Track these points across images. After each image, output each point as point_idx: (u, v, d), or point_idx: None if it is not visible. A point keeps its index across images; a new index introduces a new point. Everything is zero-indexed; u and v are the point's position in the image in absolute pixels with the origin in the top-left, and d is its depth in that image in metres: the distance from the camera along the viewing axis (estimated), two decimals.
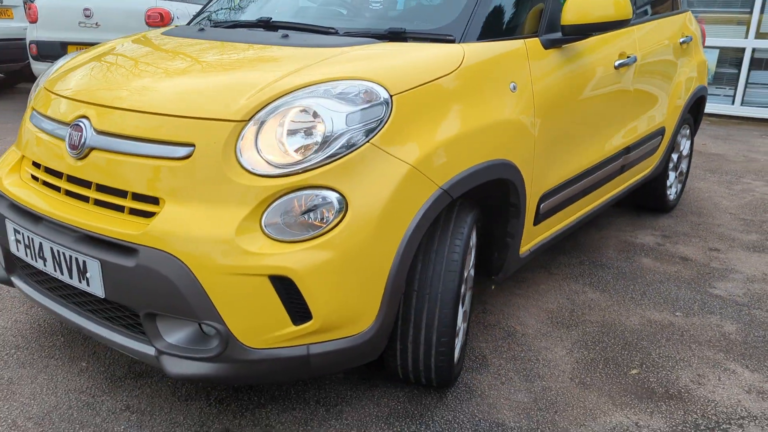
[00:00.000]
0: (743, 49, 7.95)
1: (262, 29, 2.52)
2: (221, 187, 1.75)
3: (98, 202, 1.91)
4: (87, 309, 1.99)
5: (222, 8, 2.96)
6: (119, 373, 2.27)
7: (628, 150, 3.24)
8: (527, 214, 2.43)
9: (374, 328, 1.85)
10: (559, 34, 2.51)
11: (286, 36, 2.29)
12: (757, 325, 2.81)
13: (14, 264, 2.23)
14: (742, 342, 2.65)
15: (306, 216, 1.72)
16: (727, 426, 2.12)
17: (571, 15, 2.43)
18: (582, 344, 2.59)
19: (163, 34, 2.62)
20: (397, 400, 2.18)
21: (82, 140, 1.92)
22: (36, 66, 7.02)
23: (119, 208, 1.86)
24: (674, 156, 4.10)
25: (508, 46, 2.31)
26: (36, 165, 2.15)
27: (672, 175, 4.15)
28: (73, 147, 1.94)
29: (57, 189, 2.02)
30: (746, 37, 7.92)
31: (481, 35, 2.26)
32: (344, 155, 1.76)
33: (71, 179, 1.99)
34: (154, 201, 1.81)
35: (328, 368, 1.90)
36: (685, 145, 4.25)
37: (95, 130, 1.92)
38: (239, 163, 1.75)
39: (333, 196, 1.74)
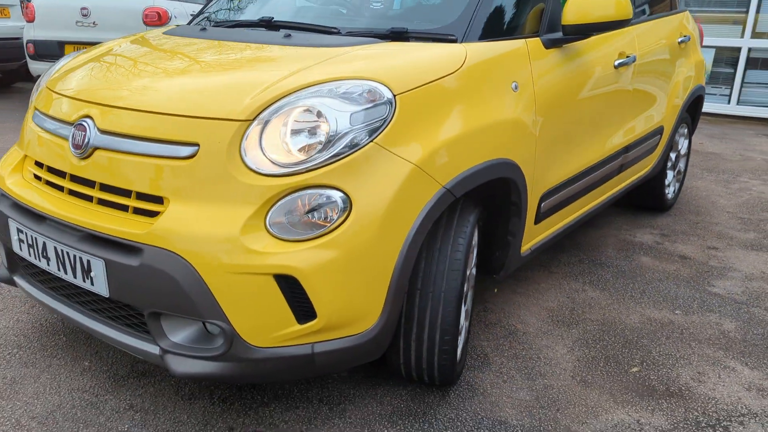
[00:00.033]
0: (739, 49, 7.99)
1: (264, 29, 2.53)
2: (226, 187, 1.75)
3: (102, 202, 1.91)
4: (90, 308, 2.00)
5: (223, 8, 2.96)
6: (122, 373, 2.27)
7: (627, 149, 3.25)
8: (528, 213, 2.44)
9: (378, 326, 1.86)
10: (559, 34, 2.52)
11: (289, 36, 2.30)
12: (756, 323, 2.82)
13: (16, 263, 2.24)
14: (742, 340, 2.67)
15: (310, 215, 1.73)
16: (728, 423, 2.13)
17: (571, 15, 2.45)
18: (583, 342, 2.60)
19: (164, 34, 2.63)
20: (400, 398, 2.19)
21: (86, 140, 1.92)
22: (33, 65, 7.01)
23: (123, 208, 1.87)
24: (672, 155, 4.12)
25: (510, 46, 2.32)
26: (39, 164, 2.15)
27: (670, 174, 4.17)
28: (76, 146, 1.95)
29: (60, 188, 2.03)
30: (742, 37, 7.96)
31: (483, 35, 2.27)
32: (348, 155, 1.76)
33: (74, 179, 1.99)
34: (159, 200, 1.82)
35: (333, 367, 1.91)
36: (683, 144, 4.27)
37: (99, 129, 1.93)
38: (244, 162, 1.76)
39: (337, 196, 1.75)
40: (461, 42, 2.21)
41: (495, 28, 2.33)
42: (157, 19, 6.74)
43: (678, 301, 3.00)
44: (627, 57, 3.04)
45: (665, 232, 3.93)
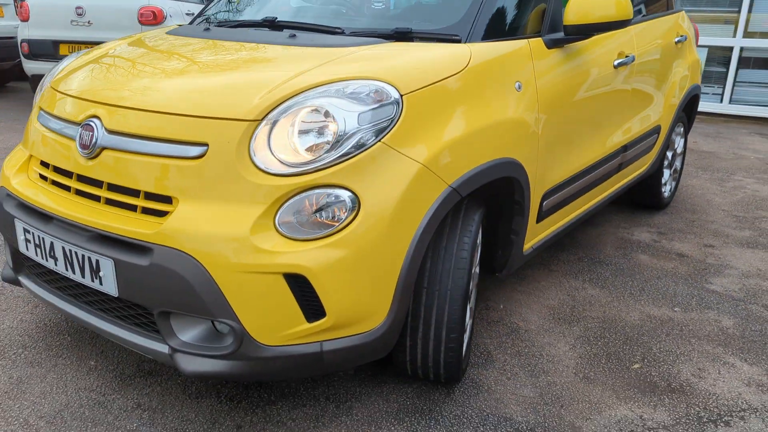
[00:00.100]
0: (731, 48, 8.05)
1: (267, 29, 2.54)
2: (235, 186, 1.76)
3: (110, 202, 1.92)
4: (98, 308, 2.00)
5: (226, 8, 2.97)
6: (128, 372, 2.28)
7: (625, 148, 3.28)
8: (531, 211, 2.47)
9: (386, 324, 1.88)
10: (561, 34, 2.54)
11: (294, 36, 2.31)
12: (754, 319, 2.86)
13: (22, 263, 2.24)
14: (740, 336, 2.71)
15: (319, 214, 1.74)
16: (729, 418, 2.16)
17: (573, 15, 2.47)
18: (584, 340, 2.63)
19: (167, 33, 2.63)
20: (406, 396, 2.21)
21: (94, 140, 1.93)
22: (27, 65, 6.97)
23: (131, 208, 1.87)
24: (669, 154, 4.16)
25: (513, 46, 2.34)
26: (44, 164, 2.15)
27: (667, 172, 4.21)
28: (84, 147, 1.95)
29: (67, 188, 2.03)
30: (734, 36, 8.02)
31: (486, 35, 2.29)
32: (356, 154, 1.78)
33: (81, 178, 1.99)
34: (167, 200, 1.82)
35: (341, 365, 1.92)
36: (679, 143, 4.30)
37: (106, 129, 1.93)
38: (253, 162, 1.77)
39: (346, 195, 1.76)
40: (465, 42, 2.23)
41: (498, 29, 2.35)
42: (152, 18, 6.72)
43: (677, 299, 3.03)
44: (626, 57, 3.07)
45: (662, 230, 3.97)
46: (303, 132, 1.80)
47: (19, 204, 2.12)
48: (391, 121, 1.84)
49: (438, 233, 2.04)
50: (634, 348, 2.58)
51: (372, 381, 2.28)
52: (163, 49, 2.37)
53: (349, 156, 1.77)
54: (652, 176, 3.99)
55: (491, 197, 2.37)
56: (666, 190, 4.26)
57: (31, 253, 2.06)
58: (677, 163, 4.39)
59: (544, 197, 2.56)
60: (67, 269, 1.95)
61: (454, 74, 2.05)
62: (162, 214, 1.82)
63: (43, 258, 2.02)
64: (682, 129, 4.30)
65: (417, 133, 1.89)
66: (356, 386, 2.25)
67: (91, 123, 1.96)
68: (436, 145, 1.92)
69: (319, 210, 1.75)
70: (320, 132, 1.80)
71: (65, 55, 6.80)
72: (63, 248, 1.93)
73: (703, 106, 8.12)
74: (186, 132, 1.82)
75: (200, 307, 1.74)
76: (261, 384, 2.22)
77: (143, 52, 2.39)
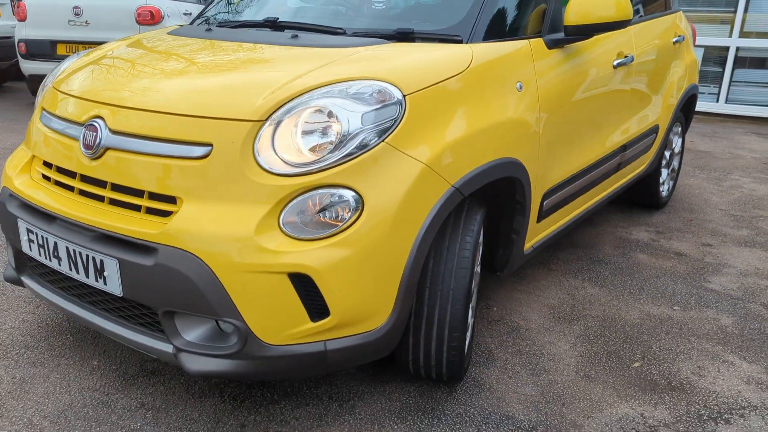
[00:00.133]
0: (727, 48, 8.08)
1: (269, 29, 2.54)
2: (239, 186, 1.77)
3: (113, 202, 1.92)
4: (102, 308, 2.01)
5: (226, 8, 2.97)
6: (131, 371, 2.28)
7: (624, 147, 3.30)
8: (531, 211, 2.48)
9: (389, 323, 1.89)
10: (561, 35, 2.56)
11: (296, 36, 2.32)
12: (752, 318, 2.88)
13: (25, 263, 2.24)
14: (739, 335, 2.72)
15: (323, 214, 1.75)
16: (729, 416, 2.18)
17: (573, 15, 2.48)
18: (584, 338, 2.64)
19: (169, 34, 2.63)
20: (408, 394, 2.22)
21: (98, 140, 1.93)
22: (25, 65, 6.96)
23: (136, 208, 1.88)
24: (667, 153, 4.18)
25: (514, 46, 2.35)
26: (47, 165, 2.16)
27: (664, 172, 4.23)
28: (87, 147, 1.95)
29: (70, 189, 2.03)
30: (730, 36, 8.06)
31: (487, 35, 2.30)
32: (360, 154, 1.79)
33: (85, 179, 2.00)
34: (171, 200, 1.83)
35: (345, 364, 1.93)
36: (677, 143, 4.33)
37: (110, 130, 1.94)
38: (257, 162, 1.78)
39: (349, 195, 1.77)
40: (467, 43, 2.24)
41: (499, 29, 2.36)
42: (149, 18, 6.72)
43: (676, 297, 3.05)
44: (625, 57, 3.08)
45: (660, 229, 3.99)
46: (307, 132, 1.81)
47: (22, 204, 2.12)
48: (395, 122, 1.85)
49: (440, 233, 2.05)
50: (634, 346, 2.60)
51: (374, 380, 2.29)
52: (166, 50, 2.38)
53: (353, 156, 1.78)
54: (650, 176, 4.01)
55: (492, 197, 2.38)
56: (664, 190, 4.28)
57: (34, 253, 2.06)
58: (675, 163, 4.41)
59: (545, 197, 2.57)
60: (71, 269, 1.95)
61: (456, 74, 2.06)
62: (166, 214, 1.82)
63: (46, 258, 2.02)
64: (679, 129, 4.32)
65: (420, 134, 1.90)
66: (359, 385, 2.26)
67: (95, 123, 1.96)
68: (439, 145, 1.93)
69: (323, 210, 1.75)
70: (324, 132, 1.81)
71: (63, 55, 6.80)
72: (67, 248, 1.93)
73: (700, 105, 8.13)
74: (190, 132, 1.83)
75: (205, 306, 1.75)
76: (264, 383, 2.23)
77: (145, 52, 2.39)
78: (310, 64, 2.00)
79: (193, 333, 1.86)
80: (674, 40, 3.87)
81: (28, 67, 6.94)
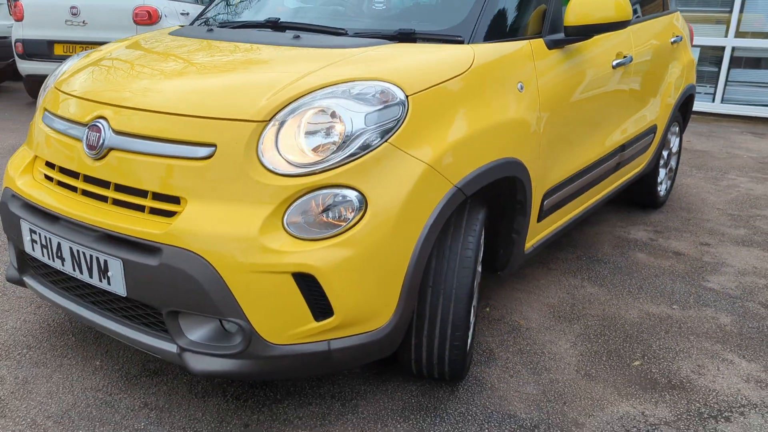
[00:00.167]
0: (723, 48, 8.11)
1: (270, 30, 2.55)
2: (243, 187, 1.77)
3: (117, 202, 1.92)
4: (105, 308, 2.01)
5: (228, 8, 2.97)
6: (134, 371, 2.29)
7: (623, 147, 3.31)
8: (532, 210, 2.49)
9: (393, 323, 1.90)
10: (561, 35, 2.57)
11: (298, 37, 2.33)
12: (751, 316, 2.90)
13: (27, 264, 2.25)
14: (738, 333, 2.74)
15: (326, 214, 1.76)
16: (729, 414, 2.19)
17: (573, 16, 2.50)
18: (585, 337, 2.66)
19: (170, 34, 2.64)
20: (411, 393, 2.23)
21: (101, 141, 1.93)
22: (22, 65, 6.95)
23: (139, 208, 1.88)
24: (665, 153, 4.20)
25: (514, 47, 2.36)
26: (50, 165, 2.16)
27: (662, 171, 4.25)
28: (91, 147, 1.96)
29: (73, 189, 2.04)
30: (726, 36, 8.09)
31: (488, 36, 2.32)
32: (363, 155, 1.80)
33: (88, 179, 2.00)
34: (175, 200, 1.83)
35: (348, 363, 1.94)
36: (674, 143, 4.35)
37: (114, 130, 1.94)
38: (261, 162, 1.78)
39: (353, 195, 1.78)
40: (468, 43, 2.25)
41: (500, 29, 2.37)
42: (147, 18, 6.72)
43: (674, 296, 3.07)
44: (624, 57, 3.10)
45: (658, 228, 4.01)
46: (310, 133, 1.81)
47: (25, 204, 2.12)
48: (397, 122, 1.86)
49: (443, 233, 2.06)
50: (634, 345, 2.61)
51: (377, 379, 2.30)
52: (168, 51, 2.38)
53: (356, 156, 1.79)
54: (648, 175, 4.03)
55: (493, 197, 2.40)
56: (662, 189, 4.30)
57: (37, 253, 2.07)
58: (672, 163, 4.43)
59: (545, 196, 2.59)
60: (74, 269, 1.96)
61: (458, 75, 2.07)
62: (170, 214, 1.83)
63: (49, 258, 2.02)
64: (677, 128, 4.34)
65: (422, 134, 1.91)
66: (361, 384, 2.27)
67: (98, 124, 1.96)
68: (441, 146, 1.94)
69: (327, 210, 1.76)
70: (327, 132, 1.82)
71: (60, 55, 6.79)
72: (70, 248, 1.93)
73: (696, 105, 8.12)
74: (194, 133, 1.84)
75: (210, 306, 1.76)
76: (267, 383, 2.24)
77: (148, 53, 2.40)
78: (312, 64, 2.01)
79: (197, 333, 1.86)
80: (672, 40, 3.89)
81: (25, 67, 6.93)
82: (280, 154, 1.79)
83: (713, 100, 8.29)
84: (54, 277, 2.13)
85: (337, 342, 1.85)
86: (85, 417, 2.04)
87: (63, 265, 1.99)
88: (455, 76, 2.06)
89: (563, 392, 2.28)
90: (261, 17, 2.70)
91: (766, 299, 3.07)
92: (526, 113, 2.33)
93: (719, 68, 8.19)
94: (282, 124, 1.81)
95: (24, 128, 6.12)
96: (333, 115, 1.82)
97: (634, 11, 3.53)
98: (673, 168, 4.48)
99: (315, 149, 1.80)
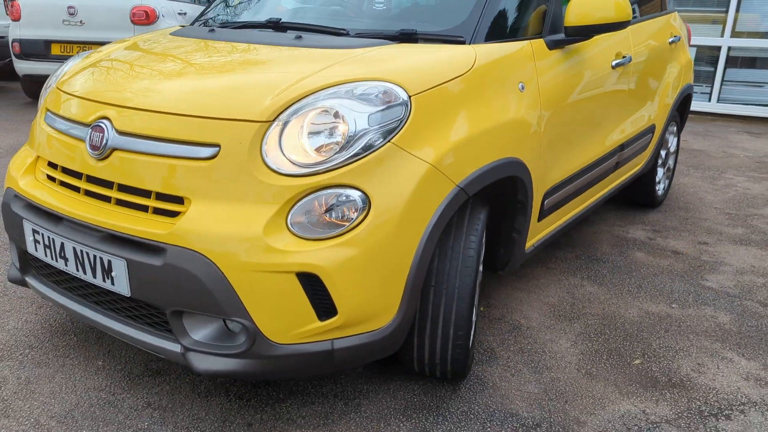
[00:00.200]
0: (719, 48, 8.14)
1: (271, 30, 2.55)
2: (247, 187, 1.78)
3: (120, 202, 1.93)
4: (109, 308, 2.02)
5: (227, 8, 2.98)
6: (137, 371, 2.29)
7: (622, 147, 3.33)
8: (533, 210, 2.50)
9: (396, 322, 1.91)
10: (562, 35, 2.58)
11: (300, 37, 2.33)
12: (749, 315, 2.91)
13: (29, 264, 2.25)
14: (737, 332, 2.76)
15: (330, 214, 1.77)
16: (729, 412, 2.21)
17: (573, 17, 2.51)
18: (585, 336, 2.67)
19: (172, 34, 2.64)
20: (413, 392, 2.24)
21: (104, 141, 1.94)
22: (19, 64, 6.94)
23: (143, 208, 1.89)
24: (663, 152, 4.22)
25: (515, 47, 2.37)
26: (52, 165, 2.16)
27: (660, 171, 4.27)
28: (94, 148, 1.96)
29: (76, 189, 2.04)
30: (722, 36, 8.12)
31: (489, 36, 2.32)
32: (366, 155, 1.80)
33: (91, 179, 2.00)
34: (179, 201, 1.84)
35: (351, 362, 1.95)
36: (672, 142, 4.36)
37: (117, 131, 1.94)
38: (265, 162, 1.79)
39: (356, 195, 1.78)
40: (469, 43, 2.26)
41: (501, 30, 2.38)
42: (144, 17, 6.71)
43: (674, 295, 3.08)
44: (623, 57, 3.11)
45: (657, 228, 4.02)
46: (313, 133, 1.82)
47: (27, 205, 2.13)
48: (400, 122, 1.87)
49: (445, 232, 2.07)
50: (634, 344, 2.62)
51: (379, 378, 2.31)
52: (170, 51, 2.38)
53: (359, 156, 1.80)
54: (647, 175, 4.05)
55: (494, 197, 2.40)
56: (660, 189, 4.32)
57: (40, 254, 2.07)
58: (670, 162, 4.45)
59: (546, 196, 2.60)
60: (77, 270, 1.96)
61: (460, 75, 2.08)
62: (174, 214, 1.83)
63: (52, 259, 2.03)
64: (675, 128, 4.36)
65: (425, 134, 1.92)
66: (363, 383, 2.27)
67: (101, 124, 1.97)
68: (444, 146, 1.95)
69: (330, 210, 1.77)
70: (331, 133, 1.82)
71: (57, 55, 6.77)
72: (74, 249, 1.94)
73: (692, 104, 8.21)
74: (197, 133, 1.84)
75: (214, 306, 1.76)
76: (269, 382, 2.24)
77: (150, 53, 2.40)
78: (315, 65, 2.02)
79: (201, 332, 1.87)
80: (670, 40, 3.91)
81: (23, 67, 6.92)
82: (284, 154, 1.80)
83: (709, 100, 8.32)
84: (56, 277, 2.13)
85: (341, 341, 1.86)
86: (88, 417, 2.05)
87: (66, 265, 1.99)
88: (457, 77, 2.06)
89: (564, 391, 2.29)
90: (262, 18, 2.71)
91: (764, 298, 3.09)
92: (527, 113, 2.34)
93: (715, 68, 8.23)
94: (285, 124, 1.82)
95: (21, 128, 6.11)
96: (336, 115, 1.83)
97: (633, 11, 3.55)
98: (671, 167, 4.50)
99: (318, 149, 1.81)
